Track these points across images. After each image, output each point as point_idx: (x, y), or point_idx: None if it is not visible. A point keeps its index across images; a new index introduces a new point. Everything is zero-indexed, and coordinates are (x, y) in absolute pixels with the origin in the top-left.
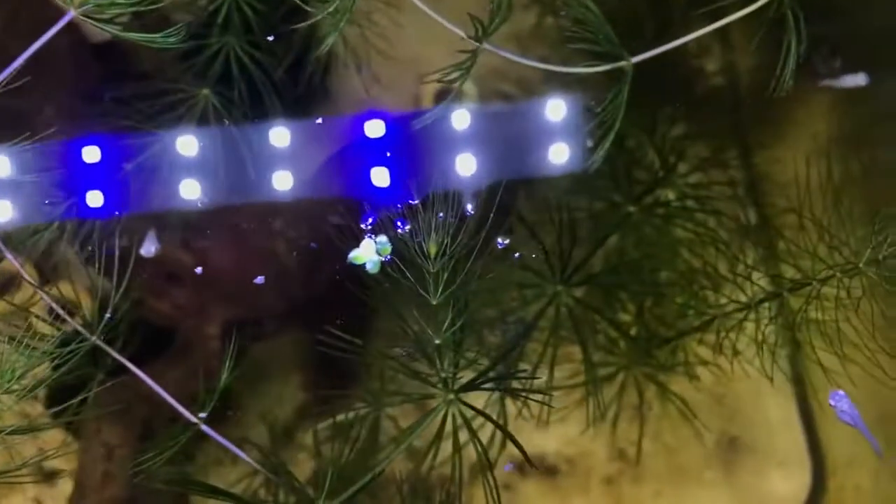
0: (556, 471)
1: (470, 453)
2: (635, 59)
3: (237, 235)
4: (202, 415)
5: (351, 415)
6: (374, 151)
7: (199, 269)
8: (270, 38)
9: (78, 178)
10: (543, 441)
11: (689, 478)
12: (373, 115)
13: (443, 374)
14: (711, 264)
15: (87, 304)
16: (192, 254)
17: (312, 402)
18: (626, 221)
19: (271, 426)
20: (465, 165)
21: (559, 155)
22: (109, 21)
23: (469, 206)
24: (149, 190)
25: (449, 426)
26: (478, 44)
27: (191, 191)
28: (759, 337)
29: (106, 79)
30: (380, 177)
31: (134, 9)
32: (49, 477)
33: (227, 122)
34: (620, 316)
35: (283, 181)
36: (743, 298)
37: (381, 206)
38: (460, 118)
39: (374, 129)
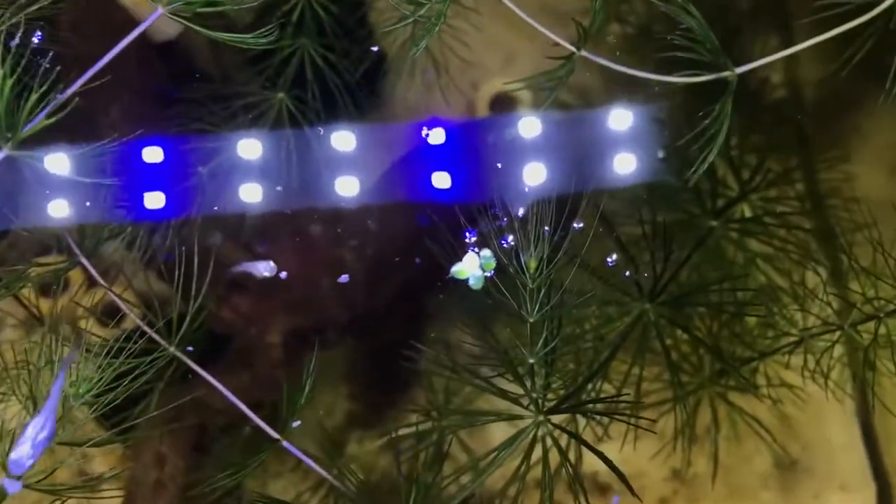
0: (609, 489)
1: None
2: (740, 70)
3: (302, 242)
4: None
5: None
6: (437, 158)
7: (277, 272)
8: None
9: (143, 180)
10: (596, 459)
11: (746, 498)
12: (435, 122)
13: (534, 395)
14: (795, 283)
15: (136, 310)
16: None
17: (364, 414)
18: (708, 236)
19: (322, 438)
20: (535, 175)
21: (628, 166)
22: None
23: (574, 221)
24: (216, 194)
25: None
26: (575, 50)
27: (257, 195)
28: (823, 359)
29: (169, 80)
30: (445, 183)
31: (223, 7)
32: (96, 486)
33: (317, 127)
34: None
35: (349, 187)
36: (814, 321)
37: (475, 217)
38: (529, 126)
39: (437, 135)
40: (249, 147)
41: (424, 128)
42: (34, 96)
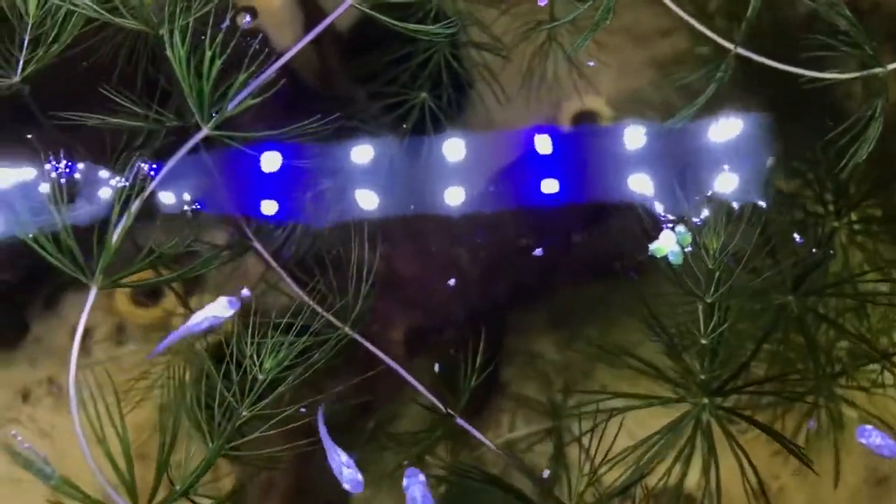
0: (694, 501)
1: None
2: (892, 66)
3: (421, 243)
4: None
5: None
6: (544, 164)
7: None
8: None
9: (275, 184)
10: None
11: None
12: (542, 129)
13: (702, 377)
14: None
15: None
16: (377, 259)
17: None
18: (832, 237)
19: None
20: (641, 183)
21: (735, 178)
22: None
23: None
24: (341, 198)
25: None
26: (732, 48)
27: (377, 199)
28: None
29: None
30: (552, 188)
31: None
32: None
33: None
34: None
35: (462, 192)
36: None
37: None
38: (634, 135)
39: (543, 143)
40: (371, 152)
41: (537, 135)
42: (241, 77)
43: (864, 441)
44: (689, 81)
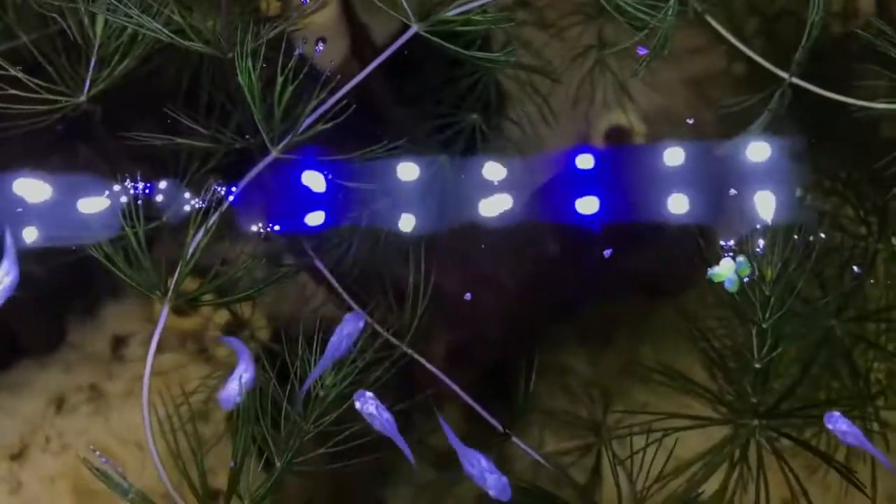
0: None
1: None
2: None
3: (462, 258)
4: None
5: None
6: (584, 182)
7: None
8: None
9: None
10: None
11: None
12: (581, 149)
13: (754, 400)
14: None
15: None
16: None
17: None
18: (874, 259)
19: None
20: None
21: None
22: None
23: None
24: (392, 214)
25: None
26: (787, 77)
27: (426, 215)
28: None
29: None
30: (590, 206)
31: (475, 28)
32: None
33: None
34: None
35: (503, 209)
36: None
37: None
38: (675, 155)
39: (584, 161)
40: (420, 170)
41: (577, 153)
42: (313, 103)
43: (830, 426)
44: (741, 108)
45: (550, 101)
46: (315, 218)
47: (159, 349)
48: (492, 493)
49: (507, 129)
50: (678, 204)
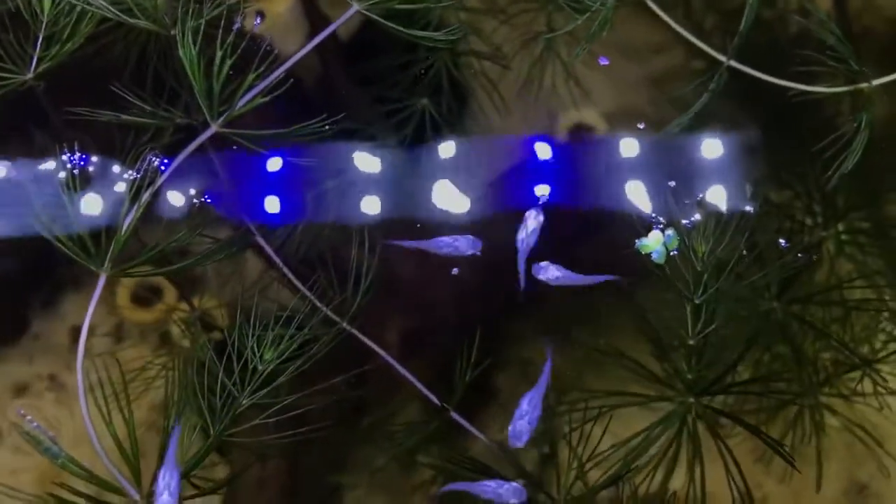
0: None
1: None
2: (876, 82)
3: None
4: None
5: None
6: (541, 172)
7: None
8: None
9: (281, 182)
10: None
11: None
12: (539, 138)
13: (689, 376)
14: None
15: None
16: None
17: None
18: (820, 247)
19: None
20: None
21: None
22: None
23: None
24: (341, 201)
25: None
26: (724, 60)
27: (379, 200)
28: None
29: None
30: (546, 195)
31: (417, 5)
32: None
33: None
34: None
35: (459, 196)
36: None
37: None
38: (629, 146)
39: (541, 150)
40: (372, 155)
41: (535, 143)
42: (251, 77)
43: (542, 277)
44: (684, 94)
45: (513, 91)
46: (266, 200)
47: (119, 340)
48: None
49: (469, 117)
50: (634, 193)
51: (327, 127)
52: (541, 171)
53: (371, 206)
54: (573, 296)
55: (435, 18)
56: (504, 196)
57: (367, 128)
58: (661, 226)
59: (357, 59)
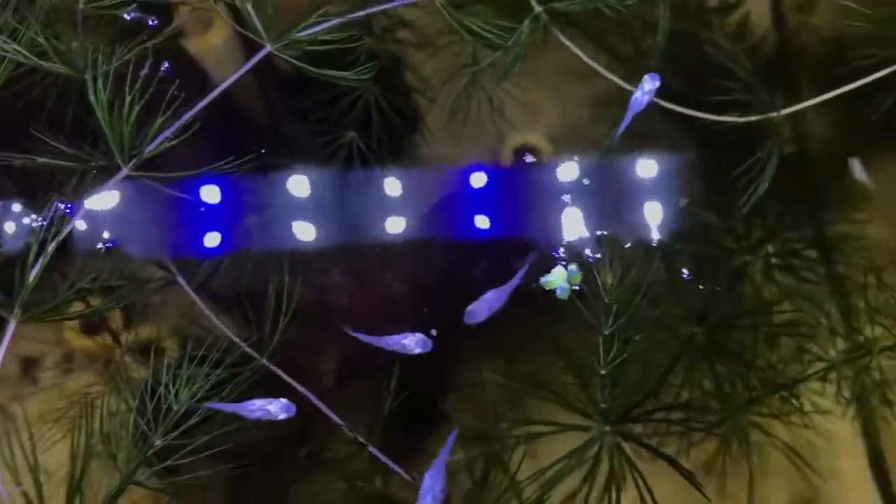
0: None
1: None
2: (784, 112)
3: (354, 276)
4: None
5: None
6: (476, 200)
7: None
8: None
9: (206, 217)
10: None
11: None
12: (476, 167)
13: (603, 406)
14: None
15: (171, 346)
16: (310, 291)
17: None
18: (743, 271)
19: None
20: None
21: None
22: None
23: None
24: (273, 231)
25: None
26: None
27: (312, 230)
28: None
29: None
30: (484, 223)
31: (329, 47)
32: None
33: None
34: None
35: (396, 225)
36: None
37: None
38: (568, 170)
39: (477, 179)
40: (304, 185)
41: (474, 172)
42: (159, 120)
43: (479, 317)
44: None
45: (428, 119)
46: (190, 236)
47: (68, 371)
48: None
49: (405, 148)
50: (553, 220)
51: (240, 164)
52: (475, 199)
53: (304, 236)
54: (507, 321)
55: (363, 53)
56: (439, 223)
57: (295, 160)
58: (564, 262)
59: (295, 91)
